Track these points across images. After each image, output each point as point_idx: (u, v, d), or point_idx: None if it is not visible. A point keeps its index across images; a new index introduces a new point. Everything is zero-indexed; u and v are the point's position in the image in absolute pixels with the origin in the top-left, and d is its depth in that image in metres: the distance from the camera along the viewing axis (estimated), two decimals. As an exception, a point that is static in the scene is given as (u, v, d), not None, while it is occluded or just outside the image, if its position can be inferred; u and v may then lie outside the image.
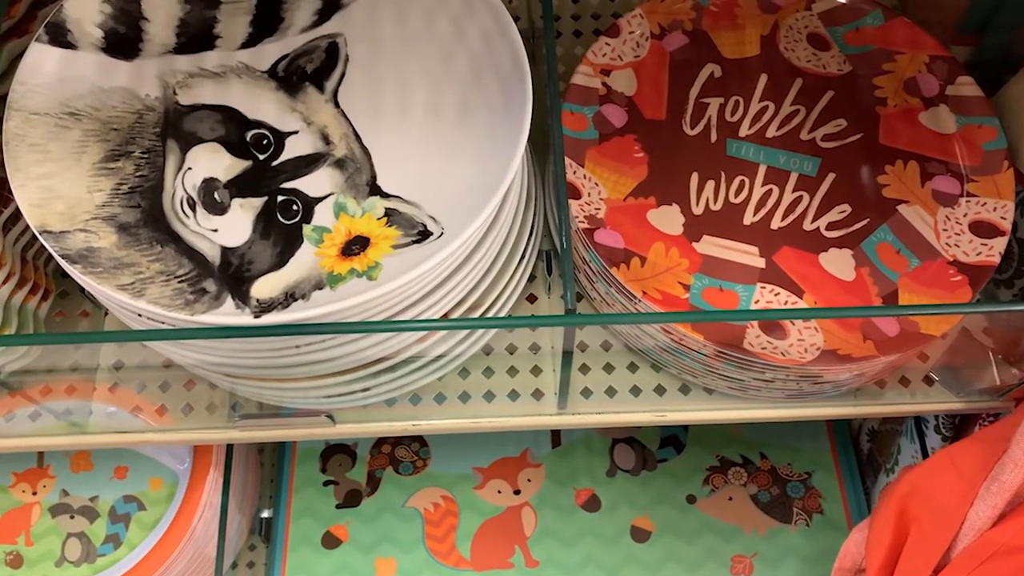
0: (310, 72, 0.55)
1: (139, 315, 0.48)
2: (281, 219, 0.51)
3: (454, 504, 0.92)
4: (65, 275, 0.66)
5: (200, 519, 0.79)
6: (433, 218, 0.50)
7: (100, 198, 0.50)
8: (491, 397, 0.63)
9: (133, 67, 0.55)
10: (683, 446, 0.96)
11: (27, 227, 0.58)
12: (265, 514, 0.95)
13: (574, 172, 0.60)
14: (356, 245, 0.50)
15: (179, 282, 0.48)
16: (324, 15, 0.57)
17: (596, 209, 0.60)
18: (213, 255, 0.49)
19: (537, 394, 0.63)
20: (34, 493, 0.81)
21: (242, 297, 0.47)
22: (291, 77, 0.55)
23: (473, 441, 0.95)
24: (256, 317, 0.45)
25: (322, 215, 0.51)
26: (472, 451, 0.95)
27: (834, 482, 0.92)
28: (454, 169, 0.52)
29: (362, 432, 0.62)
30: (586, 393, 0.63)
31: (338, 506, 0.92)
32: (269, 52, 0.56)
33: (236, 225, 0.50)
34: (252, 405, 0.62)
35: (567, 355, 0.55)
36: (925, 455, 0.79)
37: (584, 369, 0.64)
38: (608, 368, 0.64)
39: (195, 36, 0.56)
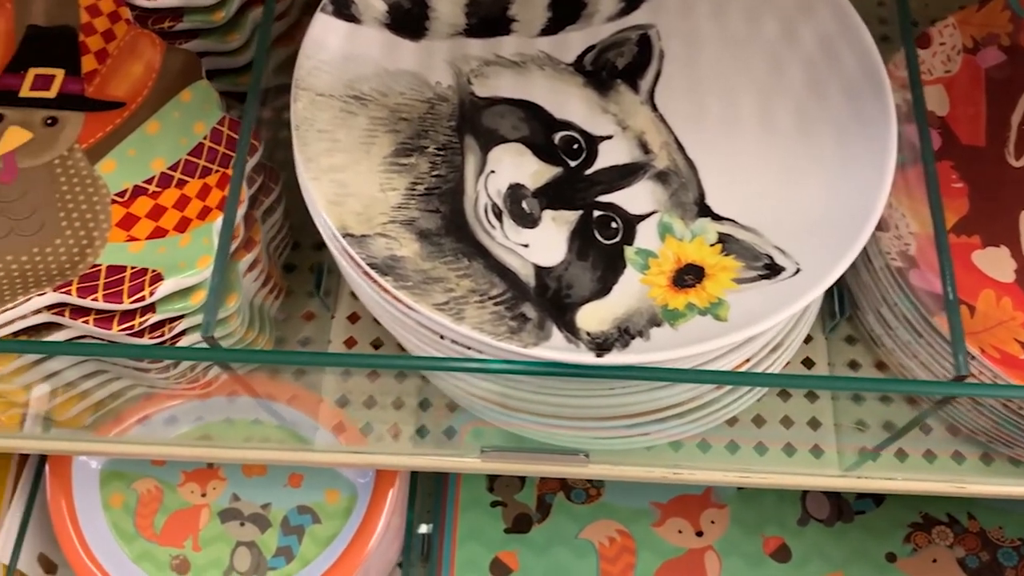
0: (621, 68, 0.48)
1: (441, 337, 0.41)
2: (599, 238, 0.44)
3: (631, 540, 0.85)
4: (289, 271, 0.61)
5: (380, 540, 0.73)
6: (780, 250, 0.43)
7: (395, 198, 0.44)
8: (763, 450, 0.55)
9: (420, 49, 0.48)
10: (882, 498, 0.87)
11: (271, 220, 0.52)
12: (422, 529, 0.88)
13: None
14: (689, 275, 0.42)
15: (495, 304, 0.41)
16: (632, 2, 0.50)
17: (906, 245, 0.53)
18: (527, 275, 0.42)
19: (816, 451, 0.55)
20: (203, 495, 0.75)
21: (569, 328, 0.40)
22: (600, 72, 0.48)
23: (654, 474, 0.88)
24: (598, 356, 0.38)
25: (645, 236, 0.44)
26: (651, 484, 0.87)
27: (1054, 553, 0.83)
28: (795, 193, 0.45)
29: (617, 475, 0.55)
30: (872, 454, 0.55)
31: (507, 530, 0.85)
32: (573, 42, 0.49)
33: (549, 241, 0.43)
34: (492, 435, 0.55)
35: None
36: None
37: (860, 427, 0.56)
38: (889, 427, 0.56)
39: (488, 18, 0.49)
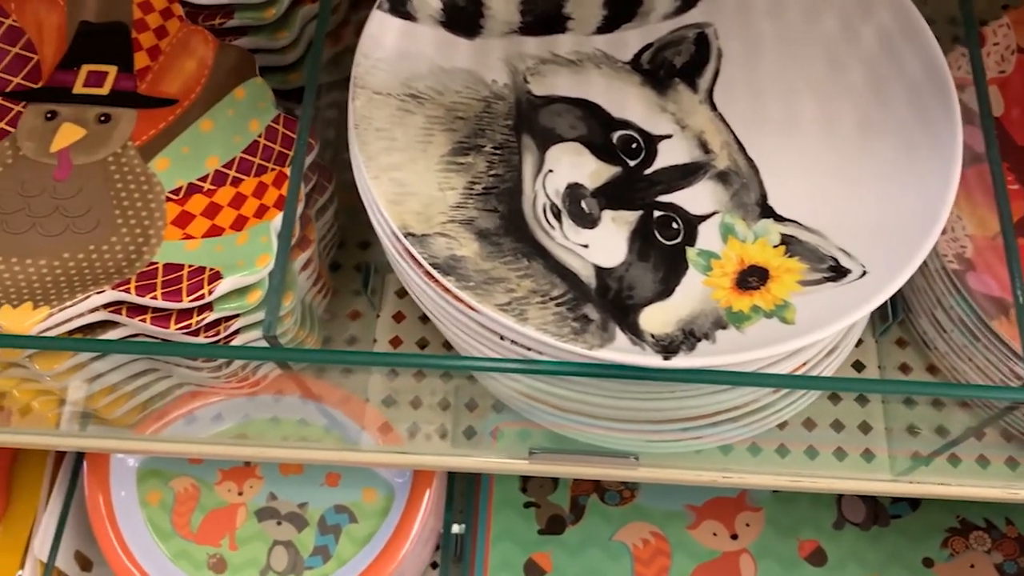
0: (679, 66, 0.48)
1: (501, 338, 0.41)
2: (660, 238, 0.43)
3: (665, 543, 0.84)
4: (334, 269, 0.61)
5: (416, 540, 0.73)
6: (845, 252, 0.42)
7: (453, 197, 0.43)
8: (813, 454, 0.55)
9: (475, 47, 0.48)
10: (918, 503, 0.86)
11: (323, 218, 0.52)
12: (455, 529, 0.88)
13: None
14: (753, 277, 0.42)
15: (556, 305, 0.40)
16: (688, 0, 0.49)
17: (962, 247, 0.52)
18: (587, 275, 0.42)
19: (867, 455, 0.55)
20: (240, 493, 0.75)
21: (633, 330, 0.40)
22: (658, 71, 0.47)
23: (688, 476, 0.87)
24: (665, 359, 0.38)
25: (707, 237, 0.43)
26: (685, 486, 0.87)
27: (1095, 560, 0.82)
28: (858, 194, 0.44)
29: (666, 478, 0.54)
30: (926, 459, 0.54)
31: (540, 532, 0.85)
32: (629, 40, 0.48)
33: (609, 242, 0.43)
34: (538, 436, 0.55)
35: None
36: None
37: (912, 431, 0.55)
38: (942, 431, 0.55)
39: (543, 15, 0.49)
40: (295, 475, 0.76)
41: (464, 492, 0.87)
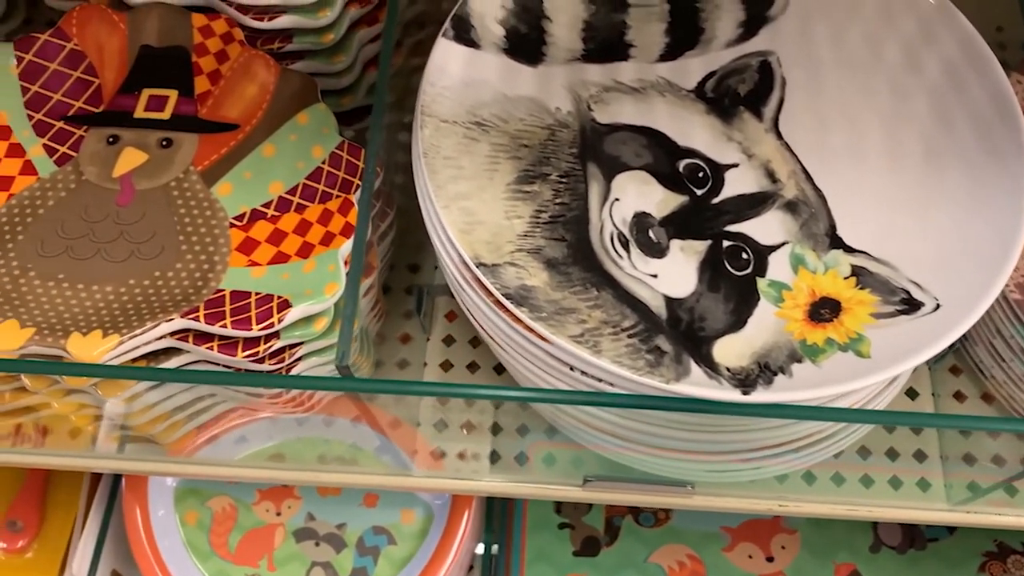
0: (743, 95, 0.47)
1: (571, 368, 0.41)
2: (730, 269, 0.43)
3: (701, 565, 0.84)
4: (385, 292, 0.60)
5: (454, 563, 0.72)
6: (917, 284, 0.42)
7: (520, 226, 0.43)
8: (868, 482, 0.54)
9: (538, 74, 0.48)
10: (955, 526, 0.86)
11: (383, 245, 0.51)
12: (492, 551, 0.87)
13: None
14: (825, 309, 0.42)
15: (629, 337, 0.40)
16: (750, 28, 0.49)
17: (1023, 276, 0.52)
18: (657, 306, 0.42)
19: (923, 483, 0.54)
20: (278, 513, 0.75)
21: (708, 363, 0.39)
22: (722, 99, 0.47)
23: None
24: (744, 393, 0.37)
25: (777, 268, 0.43)
26: (720, 508, 0.86)
27: None
28: (926, 225, 0.44)
29: (721, 507, 0.54)
30: (984, 490, 0.54)
31: (575, 553, 0.84)
32: (692, 68, 0.48)
33: (678, 272, 0.43)
34: (590, 462, 0.54)
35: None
36: None
37: (969, 459, 0.55)
38: (998, 460, 0.55)
39: (605, 42, 0.49)
40: (333, 496, 0.76)
41: (498, 512, 0.86)
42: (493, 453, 0.55)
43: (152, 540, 0.72)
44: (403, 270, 0.60)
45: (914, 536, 0.85)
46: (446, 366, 0.57)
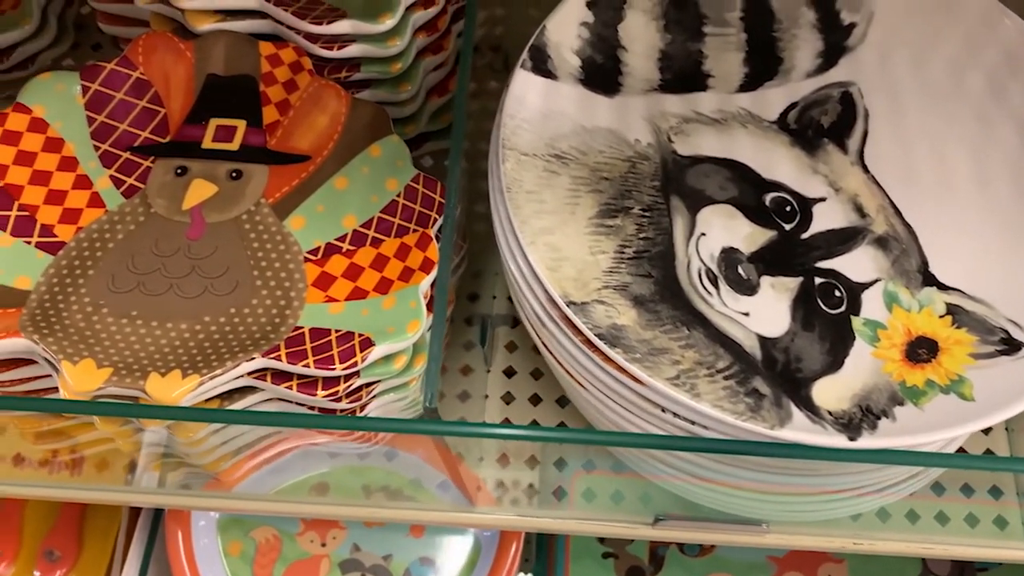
0: (827, 126, 0.46)
1: (663, 410, 0.39)
2: (823, 307, 0.42)
3: (748, 595, 0.82)
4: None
5: (504, 595, 0.71)
6: (1015, 323, 0.41)
7: (605, 262, 0.42)
8: (944, 520, 0.53)
9: (616, 105, 0.47)
10: None
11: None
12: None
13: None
14: (923, 349, 0.40)
15: (725, 378, 0.39)
16: (829, 58, 0.48)
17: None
18: (751, 346, 0.41)
19: (1000, 521, 0.53)
20: (323, 544, 0.73)
21: (808, 406, 0.38)
22: (805, 131, 0.46)
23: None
24: (850, 439, 0.36)
25: (871, 306, 0.42)
26: (766, 536, 0.85)
27: None
28: (1020, 261, 0.43)
29: (795, 544, 0.53)
30: (1063, 527, 0.52)
31: (620, 583, 0.83)
32: (773, 98, 0.47)
33: (770, 310, 0.42)
34: (657, 498, 0.53)
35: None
36: None
37: (1046, 495, 0.54)
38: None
39: (682, 72, 0.48)
40: (379, 526, 0.74)
41: (542, 541, 0.85)
42: (559, 489, 0.54)
43: (195, 571, 0.71)
44: (463, 300, 0.59)
45: (963, 567, 0.83)
46: (507, 399, 0.56)
